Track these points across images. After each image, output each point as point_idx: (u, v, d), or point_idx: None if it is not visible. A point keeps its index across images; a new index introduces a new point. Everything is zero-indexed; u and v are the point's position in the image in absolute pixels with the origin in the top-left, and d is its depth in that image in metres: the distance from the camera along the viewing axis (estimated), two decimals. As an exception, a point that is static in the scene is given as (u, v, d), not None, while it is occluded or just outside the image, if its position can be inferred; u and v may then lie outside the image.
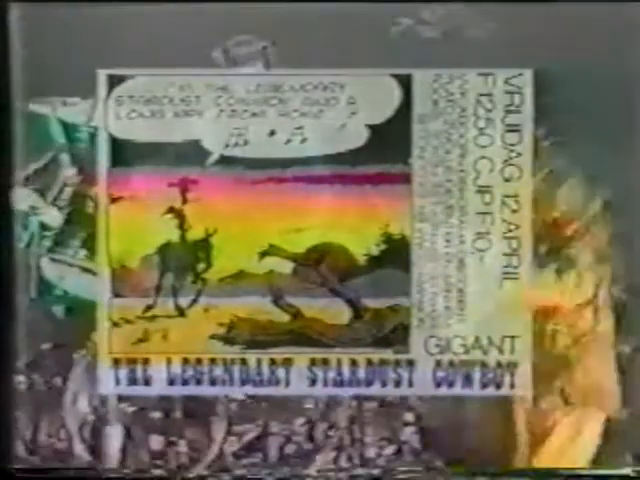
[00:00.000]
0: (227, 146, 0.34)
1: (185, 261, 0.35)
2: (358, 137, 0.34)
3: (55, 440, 0.36)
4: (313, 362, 0.35)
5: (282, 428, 0.35)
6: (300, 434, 0.35)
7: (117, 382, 0.35)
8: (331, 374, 0.35)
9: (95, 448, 0.35)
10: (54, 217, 0.35)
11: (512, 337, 0.35)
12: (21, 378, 0.35)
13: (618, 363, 0.35)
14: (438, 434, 0.35)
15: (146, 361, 0.35)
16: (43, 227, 0.35)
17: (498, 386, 0.35)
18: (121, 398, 0.35)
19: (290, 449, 0.35)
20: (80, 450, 0.36)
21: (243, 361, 0.35)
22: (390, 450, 0.35)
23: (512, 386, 0.35)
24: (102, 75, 0.34)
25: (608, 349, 0.35)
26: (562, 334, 0.35)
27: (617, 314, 0.35)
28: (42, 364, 0.35)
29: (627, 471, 0.35)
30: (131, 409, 0.35)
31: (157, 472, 0.35)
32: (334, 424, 0.35)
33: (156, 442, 0.35)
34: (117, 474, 0.35)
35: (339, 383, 0.35)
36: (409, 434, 0.35)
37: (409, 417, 0.35)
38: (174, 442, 0.35)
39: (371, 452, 0.35)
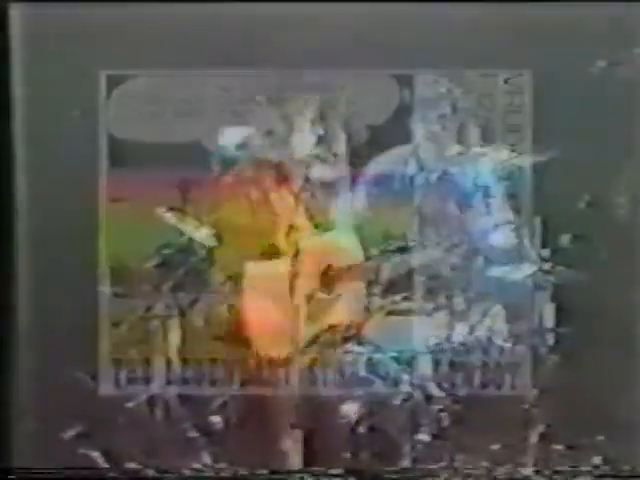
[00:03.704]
0: (227, 146, 0.35)
1: (185, 261, 0.35)
2: (358, 137, 0.34)
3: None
4: (313, 362, 0.35)
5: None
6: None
7: (117, 382, 0.35)
8: (331, 374, 0.35)
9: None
10: None
11: (512, 337, 0.35)
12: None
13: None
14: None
15: (146, 361, 0.35)
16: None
17: (498, 386, 0.35)
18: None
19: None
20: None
21: (243, 361, 0.35)
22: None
23: (512, 386, 0.35)
24: (102, 75, 0.34)
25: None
26: None
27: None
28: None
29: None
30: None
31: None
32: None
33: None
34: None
35: (339, 383, 0.35)
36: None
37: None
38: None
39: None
